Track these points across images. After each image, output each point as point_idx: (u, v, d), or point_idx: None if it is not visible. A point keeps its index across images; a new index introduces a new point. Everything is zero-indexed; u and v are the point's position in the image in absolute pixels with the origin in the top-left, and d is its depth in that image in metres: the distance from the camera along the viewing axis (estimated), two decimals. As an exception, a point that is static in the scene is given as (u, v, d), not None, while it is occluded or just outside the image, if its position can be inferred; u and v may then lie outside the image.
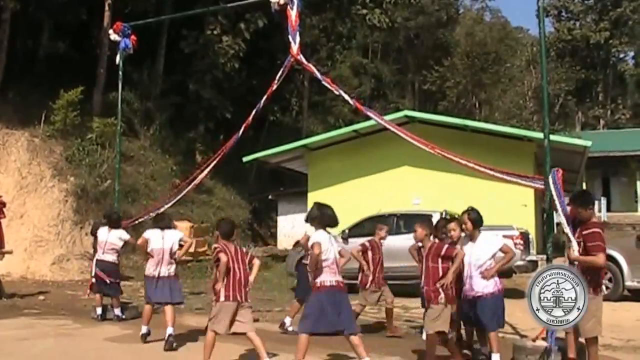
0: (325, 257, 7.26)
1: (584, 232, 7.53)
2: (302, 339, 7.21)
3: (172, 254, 9.79)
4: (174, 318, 9.34)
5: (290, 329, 10.51)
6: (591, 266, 7.47)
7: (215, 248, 7.81)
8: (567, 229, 7.93)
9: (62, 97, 22.27)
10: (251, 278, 7.92)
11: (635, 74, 62.58)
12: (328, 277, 7.30)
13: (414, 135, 10.04)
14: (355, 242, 15.85)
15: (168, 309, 9.43)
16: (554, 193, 8.36)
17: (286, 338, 9.82)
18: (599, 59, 61.13)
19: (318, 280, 7.29)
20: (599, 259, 7.45)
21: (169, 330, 9.12)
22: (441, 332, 7.66)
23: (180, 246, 10.00)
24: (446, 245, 7.94)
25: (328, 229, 7.48)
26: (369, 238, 10.87)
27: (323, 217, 7.51)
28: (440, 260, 7.80)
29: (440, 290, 7.65)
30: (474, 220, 7.97)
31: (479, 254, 7.87)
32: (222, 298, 7.57)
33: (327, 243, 7.33)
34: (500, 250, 7.99)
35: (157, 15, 23.36)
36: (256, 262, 8.12)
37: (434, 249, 7.88)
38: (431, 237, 8.12)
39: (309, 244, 7.40)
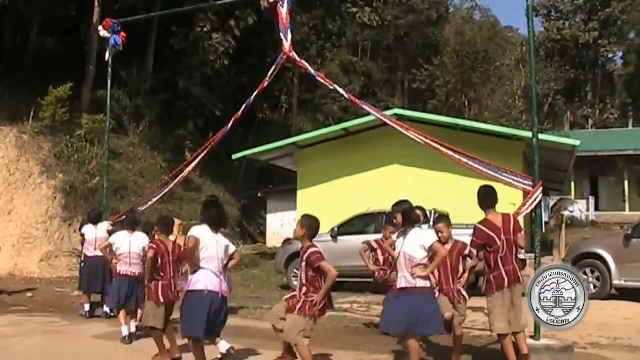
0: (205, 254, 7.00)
1: None
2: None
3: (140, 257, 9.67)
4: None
5: None
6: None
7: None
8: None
9: (51, 93, 22.17)
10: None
11: (624, 74, 62.95)
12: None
13: (404, 133, 10.02)
14: (344, 241, 15.94)
15: None
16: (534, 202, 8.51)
17: (274, 335, 9.83)
18: (588, 58, 61.35)
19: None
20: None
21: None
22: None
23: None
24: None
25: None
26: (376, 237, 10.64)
27: (206, 217, 7.23)
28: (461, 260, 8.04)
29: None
30: (404, 213, 7.45)
31: (410, 250, 7.14)
32: None
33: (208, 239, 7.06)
34: (430, 248, 7.07)
35: (147, 12, 23.27)
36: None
37: (459, 249, 8.08)
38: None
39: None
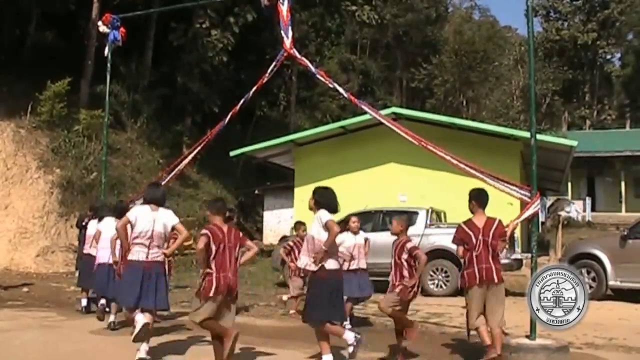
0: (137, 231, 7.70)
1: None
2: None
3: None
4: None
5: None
6: None
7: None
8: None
9: (49, 88, 22.14)
10: None
11: (622, 75, 63.07)
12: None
13: (401, 135, 10.02)
14: (340, 238, 15.94)
15: None
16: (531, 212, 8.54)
17: (270, 332, 9.84)
18: (586, 59, 61.42)
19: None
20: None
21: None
22: None
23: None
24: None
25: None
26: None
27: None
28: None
29: None
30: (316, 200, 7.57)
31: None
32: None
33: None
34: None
35: (146, 7, 23.25)
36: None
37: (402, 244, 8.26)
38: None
39: None
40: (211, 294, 7.10)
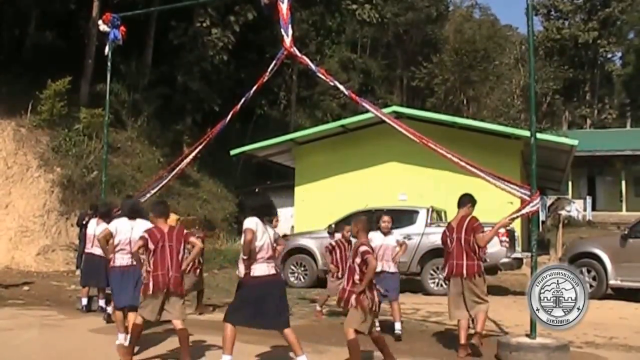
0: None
1: None
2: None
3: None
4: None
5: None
6: None
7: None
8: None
9: (50, 87, 22.12)
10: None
11: (622, 74, 63.04)
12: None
13: (403, 133, 9.99)
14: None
15: None
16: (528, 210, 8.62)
17: (270, 331, 9.84)
18: (587, 58, 61.41)
19: None
20: None
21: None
22: None
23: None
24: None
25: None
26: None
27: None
28: None
29: None
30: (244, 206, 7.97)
31: None
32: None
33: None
34: None
35: (146, 6, 23.26)
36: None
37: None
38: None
39: None
40: (150, 292, 7.48)
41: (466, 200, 8.60)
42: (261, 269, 7.09)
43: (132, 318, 7.85)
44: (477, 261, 8.26)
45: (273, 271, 7.20)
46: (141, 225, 8.37)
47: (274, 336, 7.70)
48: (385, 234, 9.90)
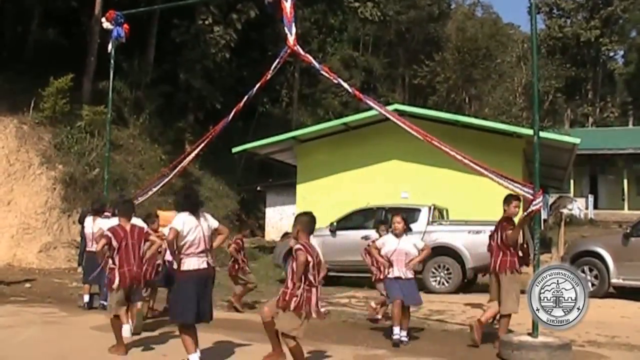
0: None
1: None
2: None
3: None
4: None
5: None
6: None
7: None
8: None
9: (52, 84, 22.13)
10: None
11: (625, 73, 62.95)
12: None
13: (407, 131, 9.96)
14: (343, 235, 16.00)
15: None
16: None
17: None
18: (589, 56, 61.37)
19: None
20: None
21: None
22: None
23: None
24: None
25: None
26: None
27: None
28: None
29: None
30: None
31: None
32: None
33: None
34: None
35: (149, 4, 23.23)
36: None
37: None
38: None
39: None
40: (114, 286, 8.11)
41: (504, 200, 8.89)
42: (191, 262, 7.18)
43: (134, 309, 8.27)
44: (510, 257, 8.59)
45: (204, 265, 7.25)
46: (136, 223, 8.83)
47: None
48: (398, 235, 9.24)
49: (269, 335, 7.27)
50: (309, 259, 6.76)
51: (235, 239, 12.09)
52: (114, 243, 8.13)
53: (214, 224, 7.53)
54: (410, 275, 9.15)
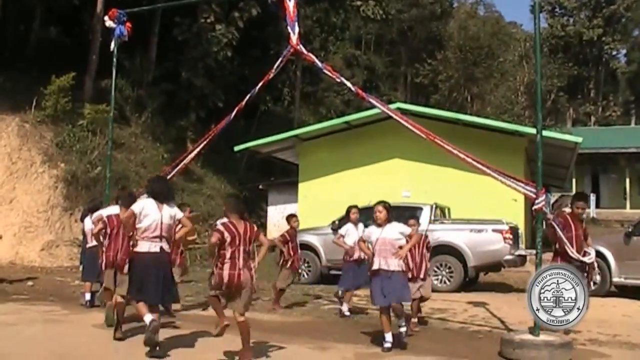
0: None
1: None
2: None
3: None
4: None
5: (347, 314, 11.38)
6: None
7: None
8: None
9: (54, 82, 22.14)
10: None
11: (627, 72, 62.88)
12: None
13: (410, 130, 9.95)
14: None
15: None
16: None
17: (274, 327, 9.85)
18: (592, 55, 61.31)
19: None
20: None
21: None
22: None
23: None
24: None
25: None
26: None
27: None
28: None
29: None
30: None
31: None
32: None
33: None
34: None
35: (151, 2, 23.19)
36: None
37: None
38: None
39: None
40: (103, 268, 9.57)
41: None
42: (144, 246, 7.88)
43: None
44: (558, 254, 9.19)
45: (156, 249, 7.87)
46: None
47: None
48: (380, 225, 8.62)
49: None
50: (225, 236, 7.44)
51: (285, 232, 12.61)
52: (107, 229, 9.53)
53: (179, 215, 8.23)
54: (395, 267, 8.36)
